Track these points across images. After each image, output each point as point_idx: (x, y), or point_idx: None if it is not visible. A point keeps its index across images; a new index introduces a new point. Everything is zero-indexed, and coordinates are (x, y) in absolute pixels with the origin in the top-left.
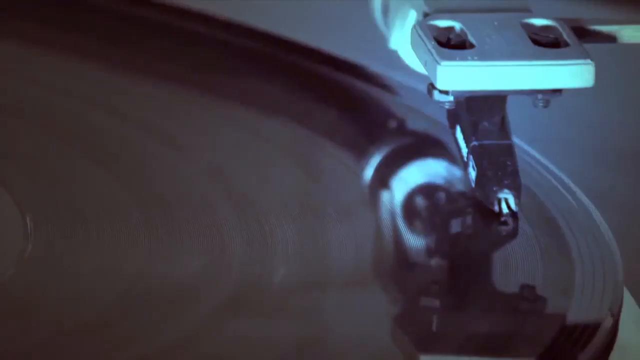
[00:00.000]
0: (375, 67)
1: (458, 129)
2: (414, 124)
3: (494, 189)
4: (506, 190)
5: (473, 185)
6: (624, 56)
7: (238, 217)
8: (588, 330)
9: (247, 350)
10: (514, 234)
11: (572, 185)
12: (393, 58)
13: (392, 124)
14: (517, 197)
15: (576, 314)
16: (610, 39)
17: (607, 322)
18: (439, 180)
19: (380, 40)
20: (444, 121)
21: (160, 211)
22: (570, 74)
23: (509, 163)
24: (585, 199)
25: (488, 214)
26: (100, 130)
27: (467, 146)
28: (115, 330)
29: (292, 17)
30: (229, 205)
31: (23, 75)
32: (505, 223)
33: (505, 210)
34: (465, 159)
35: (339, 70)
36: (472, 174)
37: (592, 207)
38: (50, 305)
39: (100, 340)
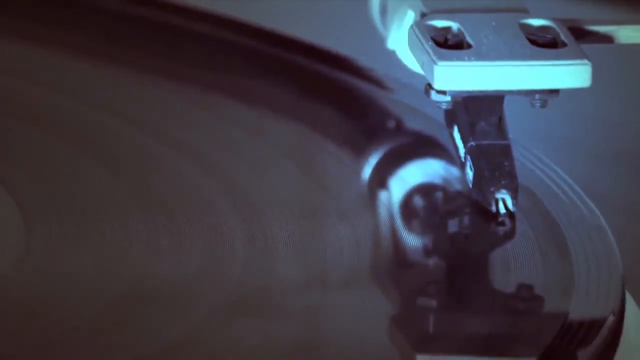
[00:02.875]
0: (374, 66)
1: (455, 129)
2: (413, 123)
3: (491, 189)
4: (503, 191)
5: (470, 185)
6: (621, 56)
7: (238, 217)
8: (588, 331)
9: (247, 350)
10: (511, 234)
11: (572, 185)
12: (392, 57)
13: (391, 123)
14: (514, 198)
15: (576, 315)
16: (608, 39)
17: (608, 323)
18: (437, 180)
19: (379, 40)
20: (443, 121)
21: (160, 211)
22: (568, 74)
23: (506, 163)
24: (585, 199)
25: (485, 214)
26: (100, 129)
27: (465, 146)
28: (115, 331)
29: (292, 16)
30: (229, 205)
31: (23, 75)
32: (502, 223)
33: (502, 210)
34: (463, 159)
35: (338, 69)
36: (470, 174)
37: (592, 207)
38: (50, 305)
39: (100, 341)
